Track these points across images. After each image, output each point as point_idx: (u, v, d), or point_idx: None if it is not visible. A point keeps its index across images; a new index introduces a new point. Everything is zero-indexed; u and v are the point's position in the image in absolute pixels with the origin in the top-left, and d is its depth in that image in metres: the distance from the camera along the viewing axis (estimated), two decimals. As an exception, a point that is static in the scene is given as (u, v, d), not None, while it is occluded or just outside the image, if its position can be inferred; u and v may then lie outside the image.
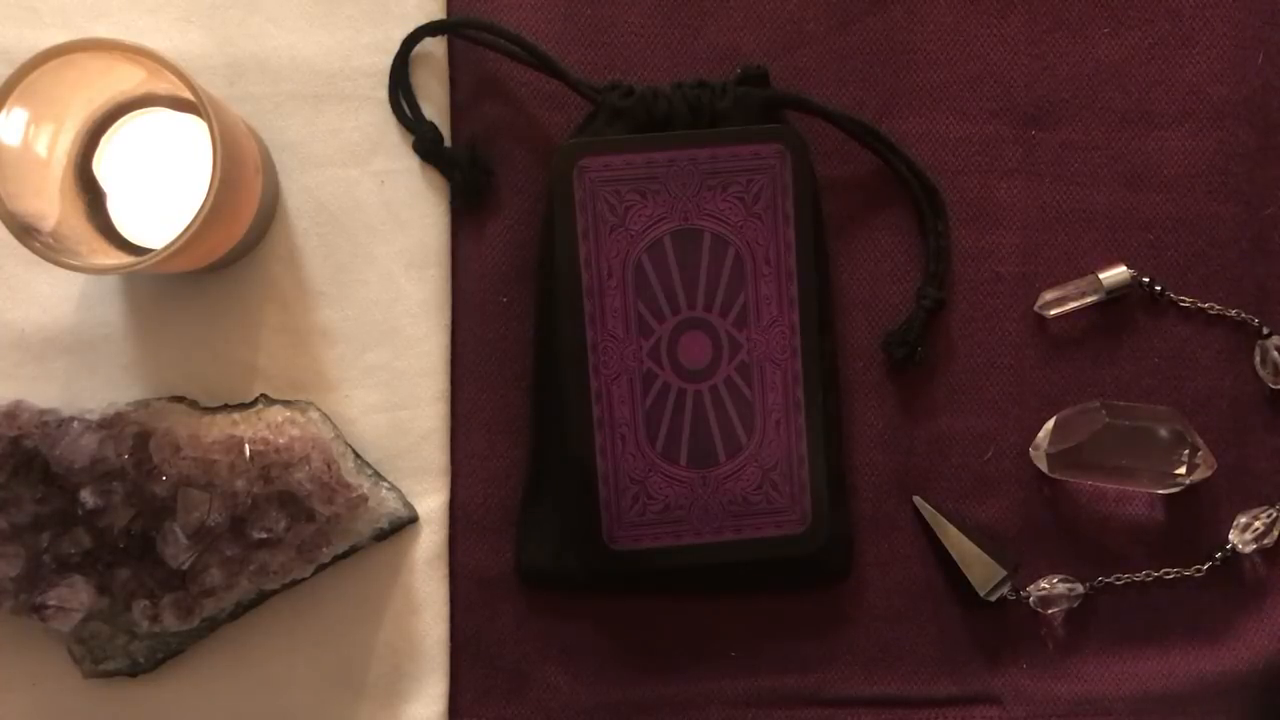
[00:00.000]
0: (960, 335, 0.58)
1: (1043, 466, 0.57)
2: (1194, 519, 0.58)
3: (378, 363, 0.56)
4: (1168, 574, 0.58)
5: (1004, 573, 0.56)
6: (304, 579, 0.54)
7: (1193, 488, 0.57)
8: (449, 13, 0.56)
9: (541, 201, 0.56)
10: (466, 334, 0.57)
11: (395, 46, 0.55)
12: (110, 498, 0.51)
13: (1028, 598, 0.57)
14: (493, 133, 0.57)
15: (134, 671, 0.54)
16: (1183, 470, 0.56)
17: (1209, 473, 0.56)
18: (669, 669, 0.57)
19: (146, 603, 0.52)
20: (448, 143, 0.56)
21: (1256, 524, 0.57)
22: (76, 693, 0.55)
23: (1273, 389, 0.58)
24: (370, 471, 0.55)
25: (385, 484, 0.55)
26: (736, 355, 0.54)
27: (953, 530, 0.57)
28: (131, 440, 0.52)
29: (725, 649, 0.57)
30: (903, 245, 0.58)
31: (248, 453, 0.52)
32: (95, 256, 0.49)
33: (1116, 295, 0.57)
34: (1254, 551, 0.58)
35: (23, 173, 0.48)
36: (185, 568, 0.52)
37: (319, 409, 0.55)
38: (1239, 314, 0.58)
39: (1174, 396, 0.58)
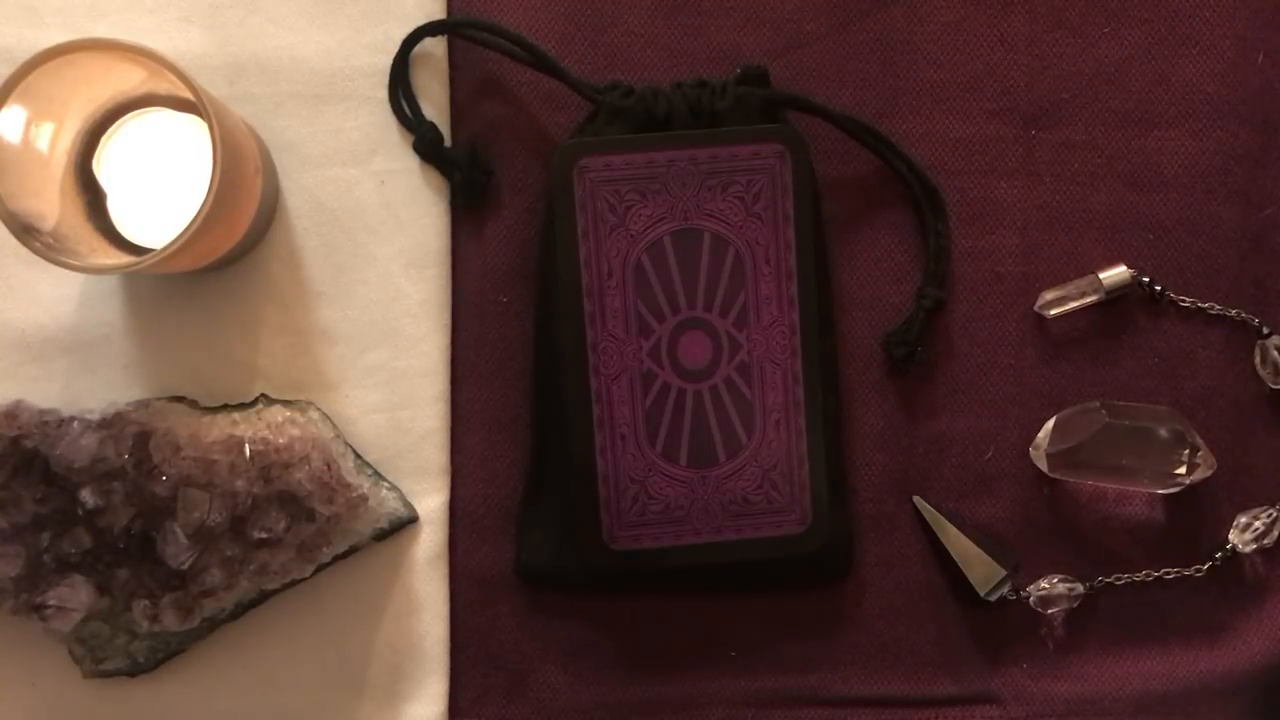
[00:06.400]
0: (960, 335, 0.58)
1: (1043, 466, 0.57)
2: (1194, 519, 0.58)
3: (378, 363, 0.56)
4: (1168, 574, 0.58)
5: (1004, 573, 0.56)
6: (304, 579, 0.54)
7: (1193, 488, 0.57)
8: (449, 13, 0.56)
9: (541, 201, 0.56)
10: (466, 334, 0.57)
11: (395, 46, 0.55)
12: (110, 498, 0.51)
13: (1028, 598, 0.57)
14: (493, 133, 0.57)
15: (134, 671, 0.54)
16: (1183, 470, 0.56)
17: (1209, 473, 0.56)
18: (669, 669, 0.57)
19: (146, 603, 0.52)
20: (448, 143, 0.56)
21: (1256, 524, 0.57)
22: (76, 693, 0.55)
23: (1273, 389, 0.58)
24: (370, 471, 0.55)
25: (385, 484, 0.55)
26: (736, 355, 0.54)
27: (952, 530, 0.57)
28: (131, 440, 0.52)
29: (725, 649, 0.57)
30: (903, 245, 0.58)
31: (248, 453, 0.52)
32: (95, 256, 0.49)
33: (1116, 295, 0.57)
34: (1254, 551, 0.57)
35: (23, 172, 0.48)
36: (185, 568, 0.52)
37: (319, 409, 0.55)
38: (1239, 314, 0.58)
39: (1174, 396, 0.58)
